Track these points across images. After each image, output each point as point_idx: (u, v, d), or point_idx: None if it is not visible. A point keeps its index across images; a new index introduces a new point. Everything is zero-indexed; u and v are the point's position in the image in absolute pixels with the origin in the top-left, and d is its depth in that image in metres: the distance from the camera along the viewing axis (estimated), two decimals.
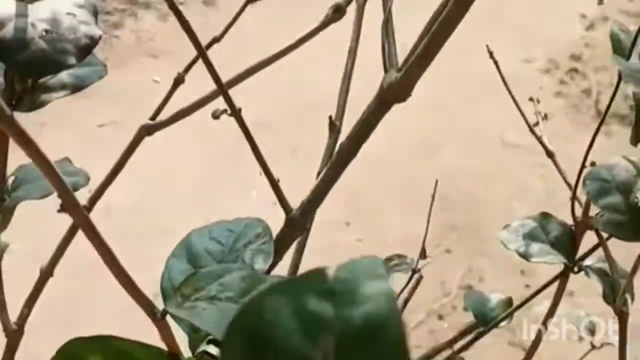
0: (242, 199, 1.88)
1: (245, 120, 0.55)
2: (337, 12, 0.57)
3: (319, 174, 0.53)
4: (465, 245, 1.85)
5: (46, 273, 0.54)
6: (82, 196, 0.55)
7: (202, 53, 0.49)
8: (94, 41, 0.34)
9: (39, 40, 0.32)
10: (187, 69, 0.56)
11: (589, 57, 2.82)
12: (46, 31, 0.32)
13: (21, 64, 0.31)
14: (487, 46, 0.57)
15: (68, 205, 0.29)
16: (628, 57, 0.39)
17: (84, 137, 2.19)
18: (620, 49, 0.43)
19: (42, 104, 0.39)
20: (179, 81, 0.56)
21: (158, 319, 0.33)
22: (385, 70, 0.41)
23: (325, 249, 1.92)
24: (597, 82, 2.63)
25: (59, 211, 0.30)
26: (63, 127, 2.20)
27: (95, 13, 0.36)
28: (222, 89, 0.48)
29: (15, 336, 0.50)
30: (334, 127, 0.53)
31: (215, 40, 0.58)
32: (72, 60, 0.32)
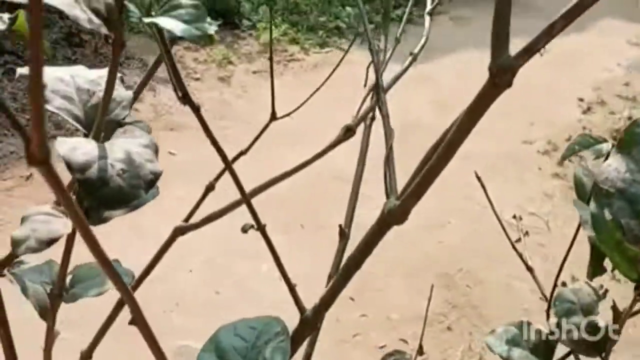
0: (253, 272, 1.95)
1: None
2: (348, 132, 0.66)
3: (330, 277, 0.60)
4: (466, 324, 1.89)
5: (86, 356, 0.61)
6: None
7: (228, 166, 0.57)
8: (157, 176, 0.42)
9: (116, 178, 0.40)
10: (217, 178, 0.65)
11: None
12: (122, 170, 0.41)
13: (103, 198, 0.40)
14: (476, 172, 0.65)
15: (136, 317, 0.37)
16: (588, 201, 0.47)
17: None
18: (583, 193, 0.50)
19: (106, 220, 0.47)
20: (209, 188, 0.64)
21: None
22: (387, 197, 0.50)
23: (330, 324, 1.97)
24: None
25: (130, 323, 0.37)
26: None
27: (156, 150, 0.45)
28: (247, 199, 0.56)
29: None
30: (344, 234, 0.61)
31: (242, 153, 0.67)
32: (142, 194, 0.41)
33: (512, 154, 2.75)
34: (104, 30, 0.39)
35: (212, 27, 0.37)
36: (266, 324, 0.52)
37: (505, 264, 2.16)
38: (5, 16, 0.58)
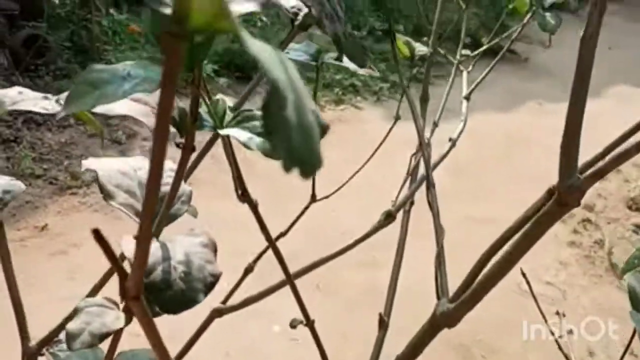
0: (264, 333, 1.93)
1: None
2: (388, 218, 0.67)
3: None
4: None
5: None
6: None
7: (272, 245, 0.58)
8: (216, 278, 0.43)
9: (179, 282, 0.41)
10: (257, 259, 0.65)
11: (601, 207, 2.92)
12: (184, 273, 0.41)
13: (165, 301, 0.40)
14: (521, 269, 0.65)
15: None
16: None
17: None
18: (638, 303, 0.50)
19: (157, 315, 0.47)
20: (249, 270, 0.65)
21: None
22: (438, 298, 0.50)
23: None
24: (609, 233, 2.71)
25: None
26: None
27: (215, 250, 0.45)
28: (291, 282, 0.56)
29: None
30: (383, 323, 0.60)
31: (282, 234, 0.67)
32: (201, 297, 0.41)
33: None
34: (177, 139, 0.40)
35: None
36: None
37: (521, 334, 2.12)
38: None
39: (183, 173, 0.43)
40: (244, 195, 0.45)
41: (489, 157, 3.20)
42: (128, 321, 0.47)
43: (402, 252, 0.66)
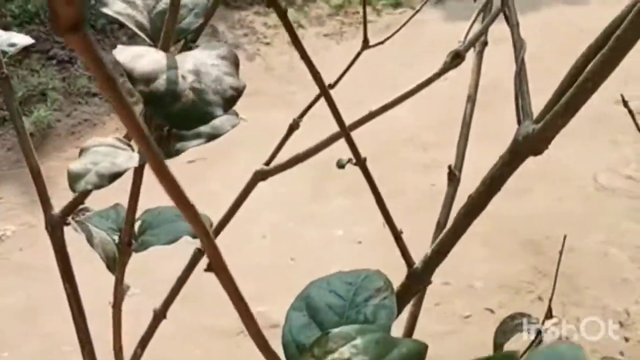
0: (327, 238, 1.88)
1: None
2: (456, 59, 0.56)
3: (439, 223, 0.51)
4: (557, 293, 1.76)
5: (160, 315, 0.55)
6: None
7: (325, 93, 0.49)
8: (239, 92, 0.34)
9: (189, 92, 0.32)
10: (303, 114, 0.57)
11: None
12: (195, 83, 0.33)
13: (173, 115, 0.32)
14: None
15: (217, 265, 0.29)
16: None
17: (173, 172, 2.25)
18: None
19: (178, 153, 0.39)
20: (293, 127, 0.56)
21: None
22: (519, 122, 0.40)
23: None
24: None
25: (206, 270, 0.29)
26: None
27: (236, 64, 0.36)
28: (346, 131, 0.47)
29: None
30: (454, 177, 0.51)
31: (330, 86, 0.58)
32: (219, 111, 0.33)
33: (603, 115, 2.54)
34: None
35: None
36: (365, 278, 0.44)
37: (599, 230, 2.00)
38: None
39: None
40: None
41: (559, 50, 2.97)
42: (143, 161, 0.40)
43: (474, 99, 0.56)
